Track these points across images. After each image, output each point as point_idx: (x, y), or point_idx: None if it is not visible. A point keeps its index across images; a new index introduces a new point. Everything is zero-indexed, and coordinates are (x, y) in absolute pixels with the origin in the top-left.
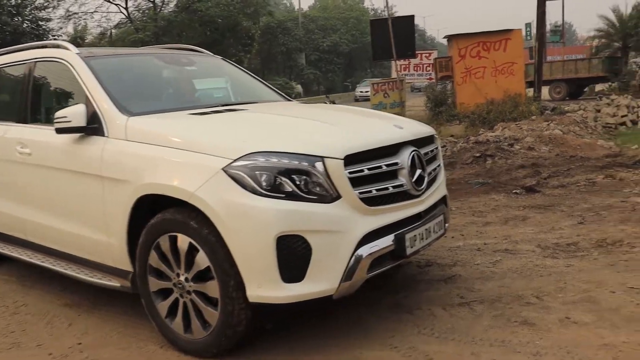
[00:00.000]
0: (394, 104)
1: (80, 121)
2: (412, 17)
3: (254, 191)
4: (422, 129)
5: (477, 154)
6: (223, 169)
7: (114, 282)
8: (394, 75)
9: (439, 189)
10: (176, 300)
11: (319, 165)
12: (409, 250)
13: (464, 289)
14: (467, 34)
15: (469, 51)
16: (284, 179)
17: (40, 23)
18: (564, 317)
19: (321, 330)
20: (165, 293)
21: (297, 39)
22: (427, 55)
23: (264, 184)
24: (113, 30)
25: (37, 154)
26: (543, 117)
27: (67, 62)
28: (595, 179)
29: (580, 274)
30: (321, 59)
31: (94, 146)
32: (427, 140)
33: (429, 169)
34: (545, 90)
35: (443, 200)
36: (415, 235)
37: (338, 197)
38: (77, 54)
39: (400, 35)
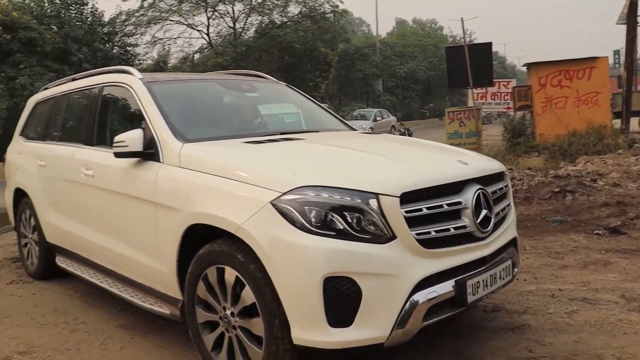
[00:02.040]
0: (469, 134)
1: (137, 146)
2: (489, 44)
3: (302, 227)
4: (490, 165)
5: (556, 189)
6: (271, 202)
7: (164, 309)
8: (470, 103)
9: (507, 231)
10: (222, 334)
11: (373, 202)
12: (470, 298)
13: (534, 341)
14: (548, 62)
15: (549, 80)
16: (335, 215)
17: (128, 48)
18: None
19: None
20: (212, 325)
21: (374, 65)
22: (506, 83)
23: (313, 220)
24: (195, 55)
25: (98, 176)
26: (631, 151)
27: (130, 87)
28: None
29: None
30: (398, 86)
31: (149, 172)
32: (496, 177)
33: (497, 208)
34: (634, 122)
35: (512, 243)
36: (478, 282)
37: (393, 237)
38: (140, 79)
39: (477, 63)
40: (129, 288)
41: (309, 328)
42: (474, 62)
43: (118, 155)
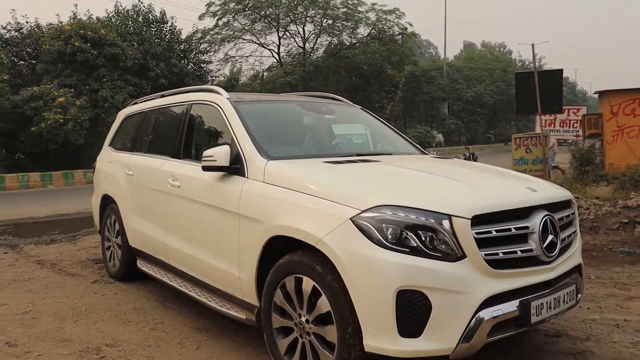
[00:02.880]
0: (535, 161)
1: (224, 161)
2: (560, 71)
3: (379, 243)
4: (558, 193)
5: (625, 220)
6: (351, 218)
7: (240, 314)
8: (537, 130)
9: (573, 257)
10: (296, 340)
11: (445, 223)
12: (534, 319)
13: None
14: (621, 89)
15: (622, 108)
16: (409, 233)
17: (202, 65)
18: None
19: None
20: (286, 331)
21: (440, 88)
22: (575, 111)
23: (389, 237)
24: (265, 73)
25: (185, 187)
26: None
27: (218, 105)
28: None
29: None
30: (464, 109)
31: (234, 185)
32: (563, 205)
33: (563, 235)
34: None
35: (577, 269)
36: (542, 304)
37: (463, 256)
38: (227, 98)
39: (546, 89)
40: (206, 293)
41: (381, 336)
42: (543, 89)
43: (206, 168)
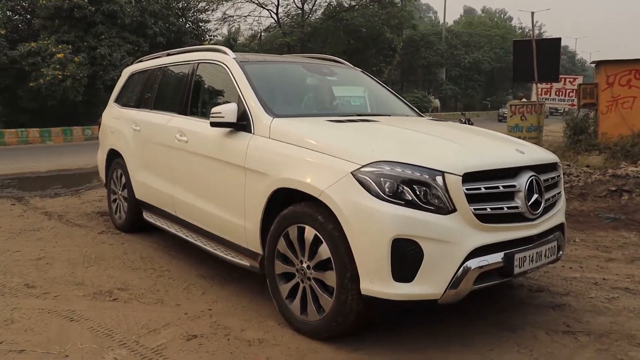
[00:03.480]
0: (530, 128)
1: (232, 118)
2: (558, 39)
3: (377, 196)
4: (545, 156)
5: (613, 188)
6: (352, 172)
7: (244, 262)
8: (533, 98)
9: (556, 216)
10: (297, 285)
11: (439, 179)
12: (516, 270)
13: (572, 318)
14: (618, 60)
15: (618, 79)
16: (405, 187)
17: (200, 24)
18: None
19: (425, 335)
20: (288, 277)
21: (439, 53)
22: (572, 80)
23: (387, 190)
24: (263, 33)
25: (192, 142)
26: None
27: (224, 64)
28: None
29: None
30: (462, 76)
31: (240, 141)
32: (549, 167)
33: (548, 195)
34: None
35: (560, 228)
36: (525, 257)
37: (454, 210)
38: (234, 58)
39: (544, 58)
40: (212, 242)
41: (376, 281)
42: (541, 57)
43: (214, 124)
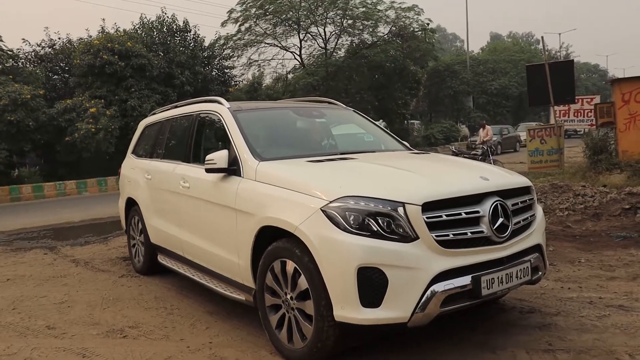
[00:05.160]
0: (551, 151)
1: (223, 163)
2: (571, 61)
3: (344, 229)
4: (512, 180)
5: (627, 206)
6: (321, 208)
7: (241, 296)
8: (552, 120)
9: (529, 238)
10: (283, 315)
11: (400, 210)
12: (484, 292)
13: (556, 337)
14: (632, 77)
15: (633, 96)
16: (370, 220)
17: (226, 71)
18: None
19: (406, 357)
20: (276, 308)
21: (464, 82)
22: (589, 100)
23: (352, 223)
24: (289, 75)
25: (193, 188)
26: None
27: (219, 114)
28: None
29: None
30: (489, 102)
31: (231, 184)
32: (519, 191)
33: (518, 218)
34: None
35: (537, 249)
36: (493, 278)
37: (416, 238)
38: (228, 108)
39: (558, 81)
40: (214, 280)
41: (347, 307)
42: (555, 80)
43: (208, 170)
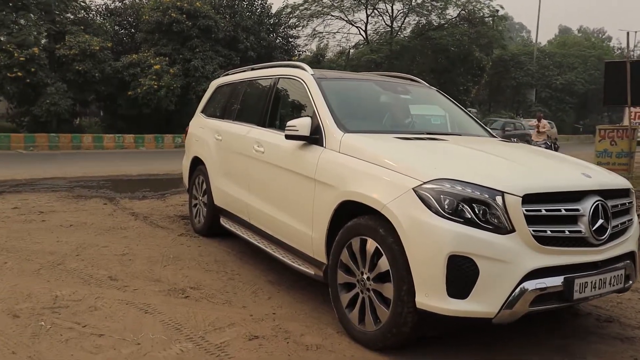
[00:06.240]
0: (620, 154)
1: (305, 131)
2: None
3: (437, 212)
4: (614, 181)
5: None
6: (413, 188)
7: (310, 270)
8: (625, 122)
9: (626, 243)
10: (356, 295)
11: (498, 199)
12: (576, 295)
13: None
14: None
15: None
16: (465, 206)
17: (290, 40)
18: None
19: (484, 354)
20: (349, 287)
21: (529, 74)
22: None
23: (446, 207)
24: (351, 50)
25: (268, 153)
26: None
27: (303, 80)
28: None
29: None
30: (552, 97)
31: (312, 153)
32: (620, 193)
33: (616, 221)
34: None
35: (630, 256)
36: (586, 282)
37: (512, 230)
38: (312, 74)
39: (638, 80)
40: (281, 250)
41: (431, 295)
42: (635, 80)
43: (288, 137)
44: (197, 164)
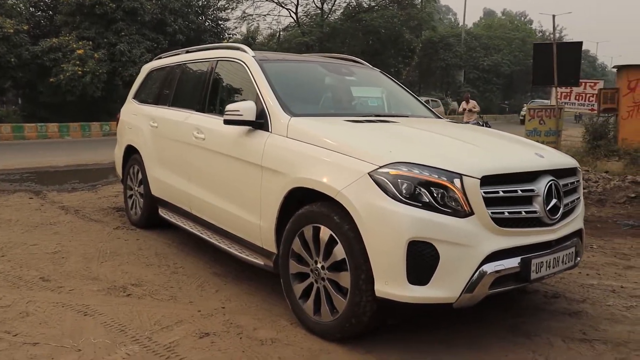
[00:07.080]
0: (549, 132)
1: (250, 116)
2: (579, 43)
3: (394, 197)
4: (564, 160)
5: (632, 195)
6: (369, 173)
7: (259, 261)
8: (553, 102)
9: (575, 222)
10: (311, 285)
11: (457, 181)
12: (533, 275)
13: (589, 326)
14: None
15: None
16: (422, 189)
17: (220, 22)
18: None
19: (439, 339)
20: (302, 276)
21: (457, 55)
22: (592, 85)
23: (404, 191)
24: (281, 33)
25: (209, 140)
26: None
27: (244, 63)
28: None
29: None
30: (480, 78)
31: (258, 139)
32: (569, 172)
33: (567, 200)
34: None
35: (578, 234)
36: (542, 262)
37: (471, 213)
38: (253, 56)
39: (564, 62)
40: (226, 240)
41: (391, 283)
42: (561, 61)
43: (228, 122)
44: (131, 153)
